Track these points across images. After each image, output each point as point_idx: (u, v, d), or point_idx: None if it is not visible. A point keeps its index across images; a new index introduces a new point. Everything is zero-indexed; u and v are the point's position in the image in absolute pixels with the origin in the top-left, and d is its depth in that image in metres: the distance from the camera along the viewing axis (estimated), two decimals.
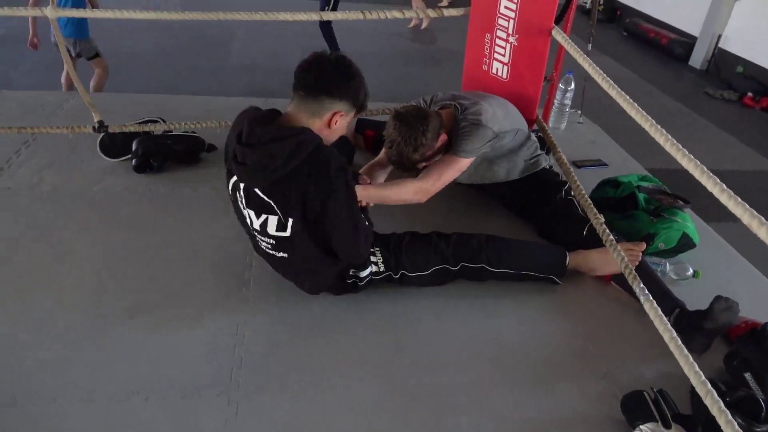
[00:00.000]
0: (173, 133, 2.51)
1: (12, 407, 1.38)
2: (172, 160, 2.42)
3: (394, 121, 1.85)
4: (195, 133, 2.53)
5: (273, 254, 1.65)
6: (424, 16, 2.42)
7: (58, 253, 1.90)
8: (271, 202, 1.49)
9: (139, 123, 2.50)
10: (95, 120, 2.39)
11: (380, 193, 1.84)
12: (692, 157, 1.25)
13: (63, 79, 4.41)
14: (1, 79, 5.09)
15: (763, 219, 1.05)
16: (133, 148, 2.38)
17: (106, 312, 1.68)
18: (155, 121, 2.53)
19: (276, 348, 1.62)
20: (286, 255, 1.63)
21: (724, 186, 1.14)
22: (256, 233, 1.62)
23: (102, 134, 2.42)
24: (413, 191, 1.90)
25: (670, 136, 1.33)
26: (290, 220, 1.52)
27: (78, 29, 4.06)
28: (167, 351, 1.57)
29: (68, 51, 4.15)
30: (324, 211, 1.48)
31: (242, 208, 1.58)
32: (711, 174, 1.19)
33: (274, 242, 1.60)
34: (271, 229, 1.56)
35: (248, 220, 1.60)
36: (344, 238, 1.57)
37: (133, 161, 2.37)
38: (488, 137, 1.94)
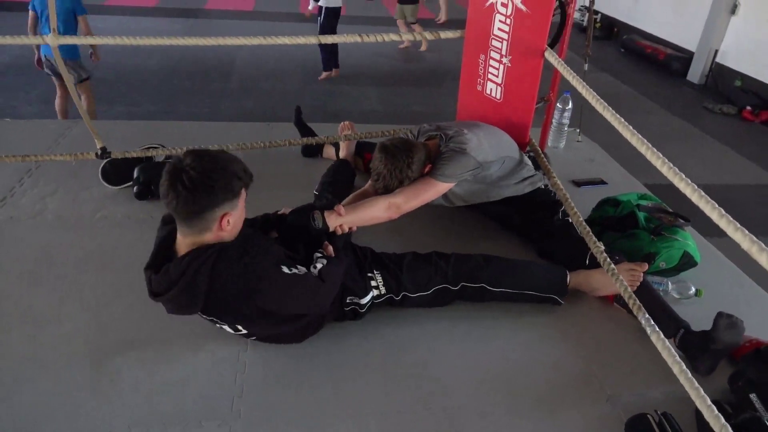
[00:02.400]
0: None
1: None
2: None
3: (380, 154, 1.87)
4: None
5: (248, 336, 1.67)
6: (423, 39, 2.45)
7: (60, 285, 1.91)
8: (213, 318, 1.53)
9: (141, 149, 2.52)
10: (98, 146, 2.41)
11: (354, 215, 1.83)
12: (689, 181, 1.26)
13: (57, 107, 4.45)
14: (6, 107, 5.15)
15: (762, 245, 1.05)
16: (135, 175, 2.40)
17: (106, 344, 1.68)
18: (156, 147, 2.55)
19: (277, 377, 1.61)
20: (259, 338, 1.67)
21: (723, 211, 1.14)
22: None
23: (104, 162, 2.44)
24: (385, 207, 1.88)
25: (666, 160, 1.34)
26: (239, 326, 1.56)
27: (68, 49, 4.08)
28: (168, 381, 1.57)
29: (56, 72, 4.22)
30: (262, 305, 1.48)
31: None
32: (709, 198, 1.20)
33: (241, 335, 1.64)
34: (230, 331, 1.60)
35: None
36: (296, 307, 1.58)
37: (135, 188, 2.39)
38: (470, 166, 1.95)
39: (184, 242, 1.43)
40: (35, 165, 2.60)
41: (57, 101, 4.46)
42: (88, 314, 1.78)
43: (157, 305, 1.79)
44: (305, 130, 2.86)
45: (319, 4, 6.15)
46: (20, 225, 2.21)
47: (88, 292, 1.87)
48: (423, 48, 8.05)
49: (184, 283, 1.38)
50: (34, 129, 3.14)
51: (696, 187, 1.25)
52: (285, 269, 1.49)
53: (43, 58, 4.22)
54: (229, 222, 1.41)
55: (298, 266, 1.55)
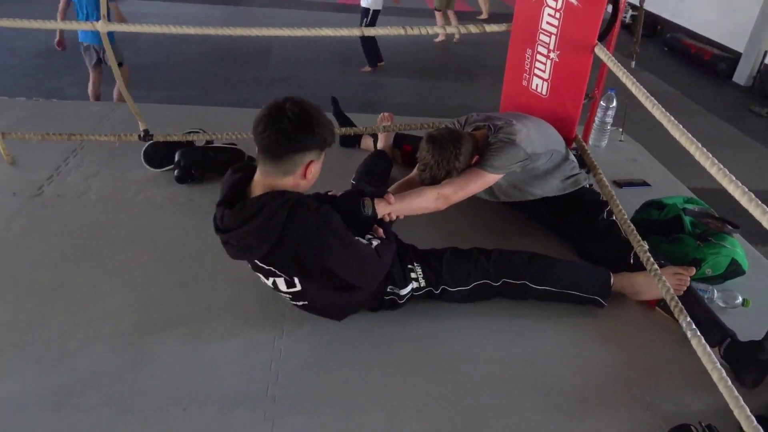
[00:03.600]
0: (214, 144, 2.55)
1: (57, 413, 1.41)
2: (213, 171, 2.45)
3: (428, 144, 1.84)
4: (235, 144, 2.57)
5: (295, 304, 1.68)
6: (464, 32, 2.42)
7: (103, 263, 1.95)
8: (272, 268, 1.52)
9: (183, 134, 2.55)
10: (141, 129, 2.45)
11: (403, 204, 1.82)
12: (739, 183, 1.21)
13: (90, 93, 4.54)
14: (52, 89, 5.29)
15: None
16: (176, 159, 2.43)
17: (148, 322, 1.70)
18: (197, 132, 2.58)
19: (312, 364, 1.61)
20: (306, 302, 1.66)
21: None
22: (272, 289, 1.64)
23: (146, 145, 2.48)
24: (434, 198, 1.87)
25: (716, 161, 1.29)
26: (296, 279, 1.55)
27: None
28: (205, 363, 1.59)
29: (97, 57, 4.31)
30: (322, 263, 1.48)
31: (252, 269, 1.61)
32: (759, 202, 1.15)
33: (290, 296, 1.63)
34: (283, 287, 1.59)
35: (261, 279, 1.63)
36: (354, 275, 1.56)
37: (175, 172, 2.42)
38: (519, 157, 1.92)
39: (261, 183, 1.45)
40: (80, 145, 2.65)
41: (90, 87, 4.55)
42: (130, 293, 1.81)
43: (197, 288, 1.83)
44: (344, 120, 2.85)
45: (363, 5, 6.15)
46: (66, 203, 2.27)
47: (129, 272, 1.91)
48: (456, 39, 7.96)
49: (259, 220, 1.38)
50: (79, 110, 3.21)
51: (746, 189, 1.20)
52: (351, 235, 1.52)
53: (82, 46, 4.30)
54: (311, 171, 1.45)
55: (359, 238, 1.57)
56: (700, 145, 1.37)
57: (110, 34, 4.31)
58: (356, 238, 1.55)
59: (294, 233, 1.41)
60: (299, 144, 1.40)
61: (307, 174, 1.45)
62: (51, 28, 2.19)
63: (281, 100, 1.39)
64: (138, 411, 1.43)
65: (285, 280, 1.55)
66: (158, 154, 2.50)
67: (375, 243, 1.61)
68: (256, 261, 1.52)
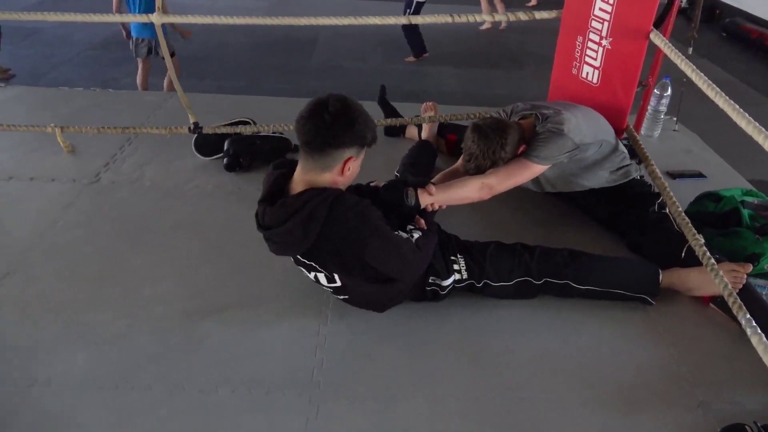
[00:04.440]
0: (262, 134, 2.60)
1: (113, 391, 1.48)
2: (261, 160, 2.50)
3: (473, 134, 1.82)
4: (282, 134, 2.61)
5: (337, 297, 1.71)
6: (512, 19, 2.37)
7: (156, 247, 2.02)
8: (312, 263, 1.54)
9: (231, 124, 2.61)
10: (191, 121, 2.52)
11: (445, 194, 1.81)
12: None
13: (139, 84, 4.66)
14: (108, 79, 5.49)
15: None
16: (225, 147, 2.49)
17: (197, 306, 1.76)
18: (245, 123, 2.63)
19: (355, 352, 1.63)
20: (347, 297, 1.68)
21: None
22: (314, 282, 1.66)
23: (196, 134, 2.54)
24: (478, 188, 1.85)
25: None
26: (336, 275, 1.56)
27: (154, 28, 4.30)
28: (252, 348, 1.63)
29: (148, 49, 4.43)
30: (362, 259, 1.49)
31: (295, 264, 1.64)
32: None
33: (331, 290, 1.65)
34: (324, 282, 1.62)
35: (303, 273, 1.65)
36: (394, 269, 1.57)
37: (225, 160, 2.48)
38: (567, 147, 1.87)
39: (301, 179, 1.48)
40: (134, 135, 2.75)
41: (139, 78, 4.69)
42: (180, 277, 1.88)
43: (244, 274, 1.88)
44: (389, 109, 2.85)
45: None
46: (121, 189, 2.36)
47: (180, 257, 1.97)
48: (502, 27, 7.79)
49: (301, 216, 1.41)
50: (133, 100, 3.32)
51: None
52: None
53: (132, 40, 4.43)
54: (349, 168, 1.46)
55: (399, 231, 1.57)
56: (767, 133, 1.31)
57: (163, 26, 4.45)
58: (396, 232, 1.55)
59: (334, 229, 1.43)
60: (338, 139, 1.40)
61: (345, 171, 1.46)
62: (109, 21, 2.27)
63: (325, 96, 1.41)
64: (188, 391, 1.49)
65: (325, 275, 1.58)
66: (208, 143, 2.57)
67: (416, 236, 1.61)
68: (298, 256, 1.55)
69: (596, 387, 1.55)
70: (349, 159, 1.45)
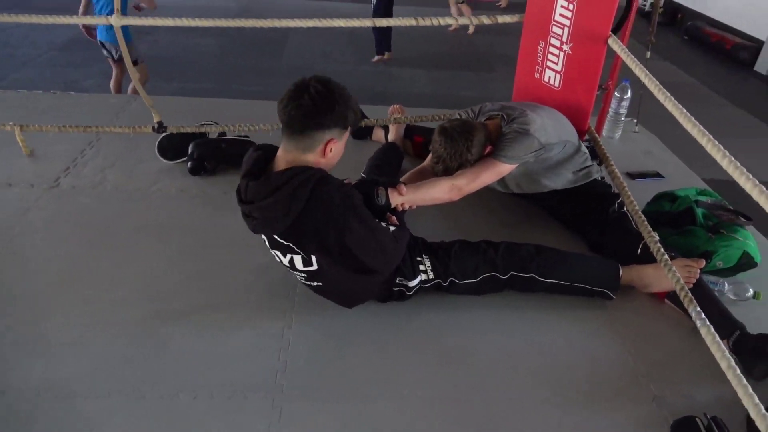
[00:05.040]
0: (227, 136, 2.58)
1: (71, 399, 1.45)
2: (226, 163, 2.49)
3: (440, 137, 1.84)
4: (248, 137, 2.59)
5: (308, 284, 1.70)
6: (476, 22, 2.41)
7: (117, 252, 1.99)
8: (290, 244, 1.53)
9: (196, 126, 2.58)
10: (155, 121, 2.48)
11: (416, 195, 1.83)
12: (751, 176, 1.20)
13: (112, 88, 4.55)
14: (69, 81, 5.36)
15: None
16: (189, 151, 2.47)
17: (159, 311, 1.74)
18: (211, 124, 2.61)
19: (320, 354, 1.64)
20: (321, 284, 1.67)
21: None
22: (287, 268, 1.66)
23: (160, 137, 2.51)
24: (447, 189, 1.88)
25: (727, 153, 1.28)
26: (313, 257, 1.56)
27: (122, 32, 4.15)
28: (215, 352, 1.62)
29: (111, 54, 4.31)
30: (343, 242, 1.49)
31: (268, 248, 1.63)
32: None
33: (305, 275, 1.65)
34: (299, 265, 1.60)
35: (277, 259, 1.65)
36: (372, 256, 1.57)
37: (189, 164, 2.46)
38: (533, 147, 1.91)
39: (284, 159, 1.47)
40: (96, 137, 2.70)
41: (112, 82, 4.57)
42: (143, 282, 1.85)
43: (207, 278, 1.87)
44: None
45: None
46: (82, 194, 2.32)
47: (142, 262, 1.95)
48: (470, 31, 7.85)
49: (285, 191, 1.41)
50: (96, 103, 3.26)
51: (757, 182, 1.19)
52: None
53: (99, 43, 4.31)
54: (331, 150, 1.46)
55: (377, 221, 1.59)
56: (711, 137, 1.36)
57: (126, 32, 4.34)
58: (376, 220, 1.57)
59: (317, 209, 1.43)
60: (319, 120, 1.41)
61: (326, 152, 1.46)
62: (63, 23, 2.22)
63: (305, 79, 1.42)
64: (149, 398, 1.47)
65: (302, 258, 1.56)
66: (172, 146, 2.54)
67: (392, 229, 1.63)
68: (275, 236, 1.53)
69: (556, 384, 1.58)
70: (331, 140, 1.45)
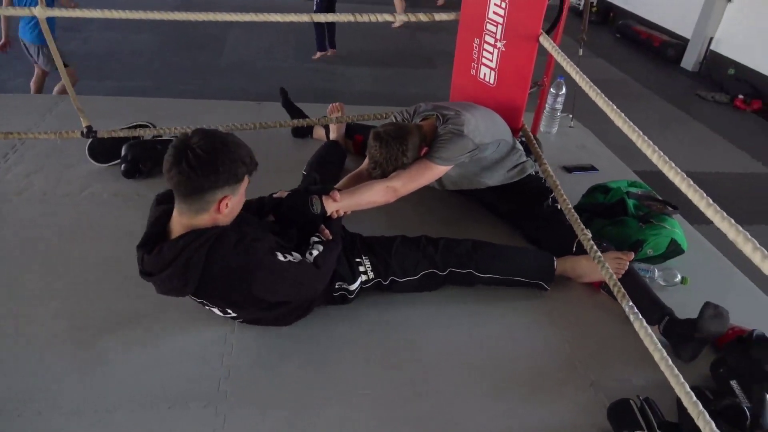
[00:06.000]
0: (163, 137, 2.50)
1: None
2: (161, 165, 2.39)
3: (375, 142, 1.85)
4: None
5: (237, 320, 1.68)
6: (413, 19, 2.42)
7: (47, 262, 1.89)
8: (203, 300, 1.52)
9: (128, 128, 2.49)
10: (84, 125, 2.37)
11: (351, 200, 1.84)
12: (678, 169, 1.26)
13: (32, 90, 4.31)
14: None
15: (748, 234, 1.05)
16: (122, 153, 2.37)
17: (94, 322, 1.67)
18: (144, 126, 2.51)
19: (264, 359, 1.61)
20: (247, 321, 1.66)
21: (710, 200, 1.15)
22: None
23: (91, 140, 2.40)
24: (383, 192, 1.89)
25: (655, 147, 1.34)
26: (228, 310, 1.55)
27: (41, 34, 3.94)
28: (154, 361, 1.57)
29: (32, 55, 4.08)
30: (251, 294, 1.46)
31: None
32: (697, 187, 1.20)
33: (230, 317, 1.63)
34: (219, 313, 1.59)
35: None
36: (287, 294, 1.56)
37: (122, 166, 2.36)
38: (468, 148, 1.94)
39: (179, 222, 1.42)
40: (20, 141, 2.56)
41: (33, 82, 4.34)
42: (75, 292, 1.77)
43: (145, 285, 1.79)
44: (295, 111, 2.83)
45: None
46: (6, 202, 2.19)
47: (75, 270, 1.86)
48: (396, 25, 7.88)
49: (178, 265, 1.37)
50: (21, 104, 3.09)
51: (684, 175, 1.25)
52: (280, 257, 1.47)
53: (21, 41, 4.06)
54: (227, 206, 1.40)
55: (293, 253, 1.52)
56: (640, 132, 1.42)
57: (52, 29, 4.11)
58: (288, 257, 1.49)
59: (217, 271, 1.39)
60: (204, 186, 1.34)
61: (222, 209, 1.40)
62: None
63: (188, 136, 1.33)
64: (84, 414, 1.40)
65: (219, 309, 1.57)
66: (104, 149, 2.43)
67: (315, 253, 1.58)
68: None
69: (498, 376, 1.62)
70: (224, 198, 1.38)
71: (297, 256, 1.53)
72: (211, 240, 1.38)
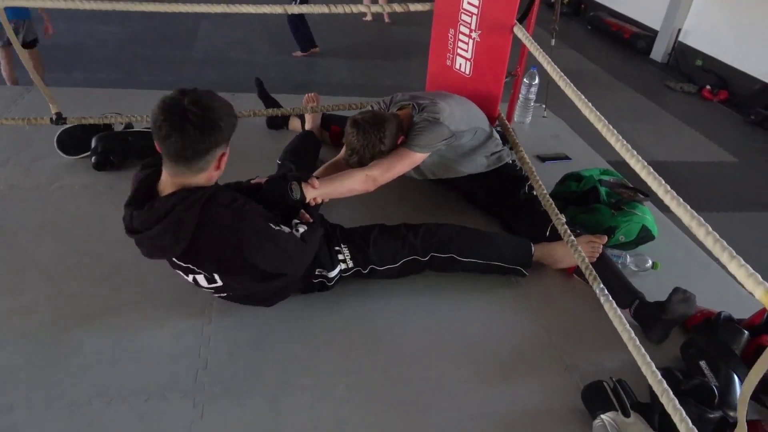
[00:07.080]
0: (134, 129, 2.45)
1: None
2: (133, 157, 2.36)
3: (352, 129, 1.85)
4: None
5: (218, 296, 1.66)
6: (389, 11, 2.43)
7: (16, 256, 1.85)
8: (190, 265, 1.49)
9: (100, 117, 2.43)
10: (53, 112, 2.31)
11: (330, 188, 1.83)
12: (640, 157, 1.32)
13: (5, 75, 4.19)
14: None
15: (701, 220, 1.10)
16: (93, 144, 2.32)
17: (68, 315, 1.64)
18: (115, 115, 2.46)
19: (242, 349, 1.60)
20: (231, 294, 1.64)
21: (668, 187, 1.22)
22: (193, 285, 1.61)
23: (59, 131, 2.35)
24: (362, 180, 1.88)
25: (620, 137, 1.39)
26: (216, 275, 1.52)
27: (20, 10, 3.81)
28: (131, 353, 1.55)
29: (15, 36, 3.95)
30: (242, 258, 1.45)
31: (171, 267, 1.56)
32: (656, 175, 1.25)
33: (212, 290, 1.60)
34: (204, 283, 1.56)
35: (181, 276, 1.58)
36: (277, 264, 1.54)
37: (93, 158, 2.31)
38: (444, 135, 1.96)
39: (171, 182, 1.38)
40: None
41: (3, 70, 4.21)
42: (47, 285, 1.74)
43: (120, 277, 1.78)
44: (270, 102, 2.80)
45: None
46: None
47: (46, 264, 1.82)
48: (367, 18, 7.89)
49: (170, 220, 1.34)
50: None
51: (645, 163, 1.30)
52: (272, 225, 1.48)
53: None
54: (224, 161, 1.41)
55: (281, 225, 1.52)
56: (606, 122, 1.46)
57: (26, 10, 3.99)
58: (278, 227, 1.51)
59: (209, 231, 1.38)
60: (209, 144, 1.33)
61: (221, 164, 1.41)
62: None
63: (177, 98, 1.28)
64: (58, 407, 1.38)
65: (205, 276, 1.53)
66: (74, 141, 2.38)
67: (301, 230, 1.59)
68: (173, 259, 1.48)
69: (475, 362, 1.64)
70: (223, 154, 1.40)
71: (286, 229, 1.53)
72: (206, 196, 1.37)
